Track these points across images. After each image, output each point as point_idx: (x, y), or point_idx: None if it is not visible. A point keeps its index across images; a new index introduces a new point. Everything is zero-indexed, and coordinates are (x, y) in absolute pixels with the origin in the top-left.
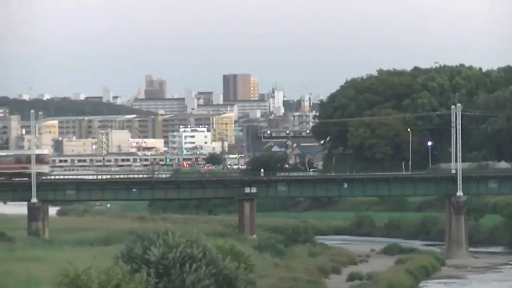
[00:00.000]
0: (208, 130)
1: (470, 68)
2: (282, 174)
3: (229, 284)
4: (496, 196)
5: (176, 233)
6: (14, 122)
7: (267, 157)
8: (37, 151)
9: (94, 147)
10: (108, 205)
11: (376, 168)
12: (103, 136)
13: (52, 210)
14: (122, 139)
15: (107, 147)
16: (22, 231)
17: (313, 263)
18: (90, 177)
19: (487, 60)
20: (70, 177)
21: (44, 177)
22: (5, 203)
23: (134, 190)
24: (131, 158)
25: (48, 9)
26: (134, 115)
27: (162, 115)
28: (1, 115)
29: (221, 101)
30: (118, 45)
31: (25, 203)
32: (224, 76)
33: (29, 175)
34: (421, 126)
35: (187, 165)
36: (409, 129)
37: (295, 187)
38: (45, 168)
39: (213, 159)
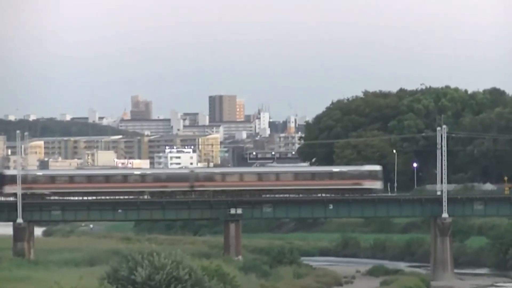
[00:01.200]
0: (194, 151)
1: (456, 90)
2: (268, 195)
3: None
4: (482, 218)
5: (162, 254)
6: (0, 143)
7: None
8: (370, 167)
9: None
10: (91, 226)
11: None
12: (89, 157)
13: (38, 231)
14: (108, 159)
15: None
16: (7, 251)
17: (299, 284)
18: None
19: (472, 82)
20: (56, 197)
21: (374, 194)
22: None
23: (119, 210)
24: None
25: (34, 30)
26: (120, 136)
27: (148, 136)
28: None
29: (207, 122)
30: (104, 66)
31: (11, 223)
32: (210, 97)
33: (365, 191)
34: (407, 148)
35: None
36: (394, 151)
37: (281, 208)
38: (377, 184)
39: None
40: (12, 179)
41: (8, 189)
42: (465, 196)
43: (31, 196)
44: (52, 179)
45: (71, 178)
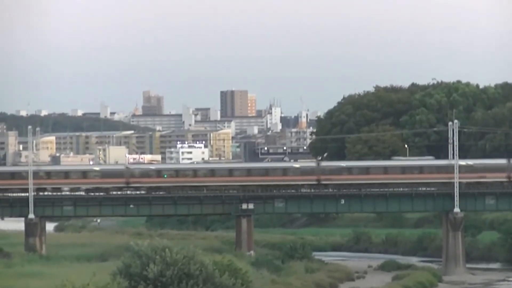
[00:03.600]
0: (206, 146)
1: (468, 84)
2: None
3: None
4: (494, 212)
5: (174, 250)
6: (12, 138)
7: None
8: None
9: (91, 163)
10: (98, 221)
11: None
12: (101, 152)
13: (50, 226)
14: (119, 155)
15: (104, 163)
16: (19, 246)
17: (311, 279)
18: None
19: (484, 76)
20: (68, 193)
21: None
22: (2, 218)
23: (131, 206)
24: None
25: (45, 24)
26: (132, 131)
27: (159, 131)
28: None
29: (218, 117)
30: (116, 61)
31: (23, 218)
32: (222, 92)
33: None
34: (419, 143)
35: None
36: (406, 146)
37: (293, 203)
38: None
39: None
40: None
41: None
42: (477, 190)
43: None
44: None
45: None
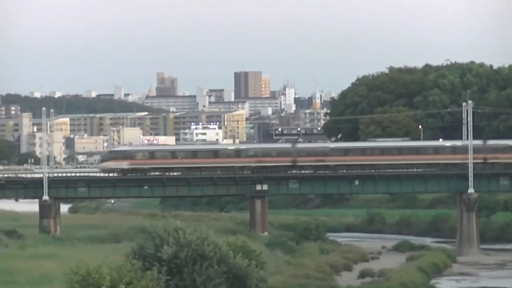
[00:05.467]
0: (220, 128)
1: (481, 65)
2: (293, 171)
3: (240, 282)
4: (508, 193)
5: (187, 231)
6: (26, 120)
7: None
8: None
9: (105, 144)
10: (112, 202)
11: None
12: (115, 134)
13: (64, 208)
14: (133, 136)
15: (118, 145)
16: (33, 228)
17: (325, 260)
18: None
19: (498, 57)
20: (82, 174)
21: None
22: (16, 200)
23: (145, 187)
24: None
25: (58, 5)
26: (146, 113)
27: (173, 112)
28: (13, 112)
29: (232, 99)
30: (130, 43)
31: (37, 200)
32: (236, 73)
33: None
34: (432, 124)
35: None
36: (420, 127)
37: (306, 184)
38: None
39: None
40: None
41: None
42: (490, 171)
43: None
44: None
45: None
